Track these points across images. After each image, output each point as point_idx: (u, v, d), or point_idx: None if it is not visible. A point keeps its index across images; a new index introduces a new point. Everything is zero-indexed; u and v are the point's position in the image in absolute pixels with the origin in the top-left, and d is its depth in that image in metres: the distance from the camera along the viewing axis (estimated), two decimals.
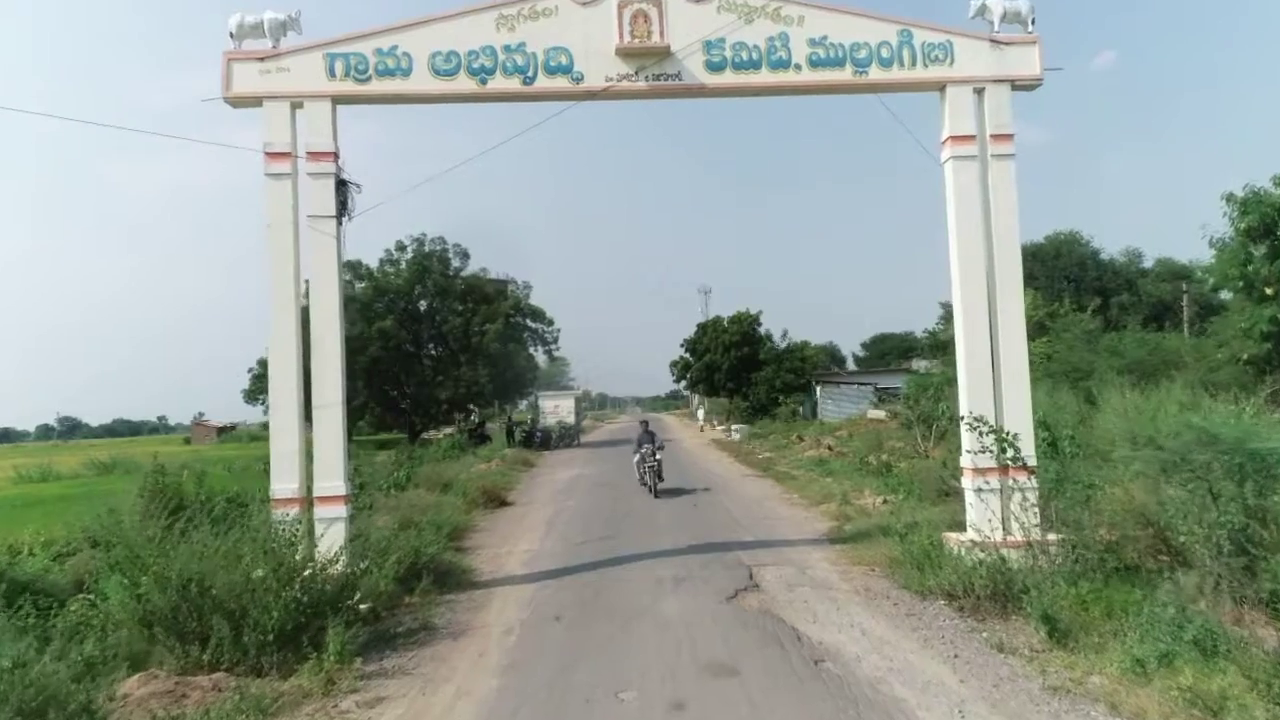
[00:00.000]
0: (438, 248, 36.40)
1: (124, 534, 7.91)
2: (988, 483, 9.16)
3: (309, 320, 9.36)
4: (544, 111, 10.06)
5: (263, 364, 35.09)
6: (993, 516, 9.04)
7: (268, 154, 9.26)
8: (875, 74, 9.61)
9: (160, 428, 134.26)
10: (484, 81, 9.49)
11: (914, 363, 55.00)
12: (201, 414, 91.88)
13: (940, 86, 9.71)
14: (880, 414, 32.49)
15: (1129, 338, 23.60)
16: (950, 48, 9.62)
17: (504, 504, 17.21)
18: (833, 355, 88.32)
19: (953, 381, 33.60)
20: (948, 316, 61.17)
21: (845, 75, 9.63)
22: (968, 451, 9.16)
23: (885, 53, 9.60)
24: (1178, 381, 17.93)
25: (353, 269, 35.98)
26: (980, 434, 8.78)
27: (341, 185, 9.49)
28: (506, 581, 9.93)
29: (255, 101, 9.34)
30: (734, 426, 39.40)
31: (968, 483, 9.45)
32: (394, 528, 12.12)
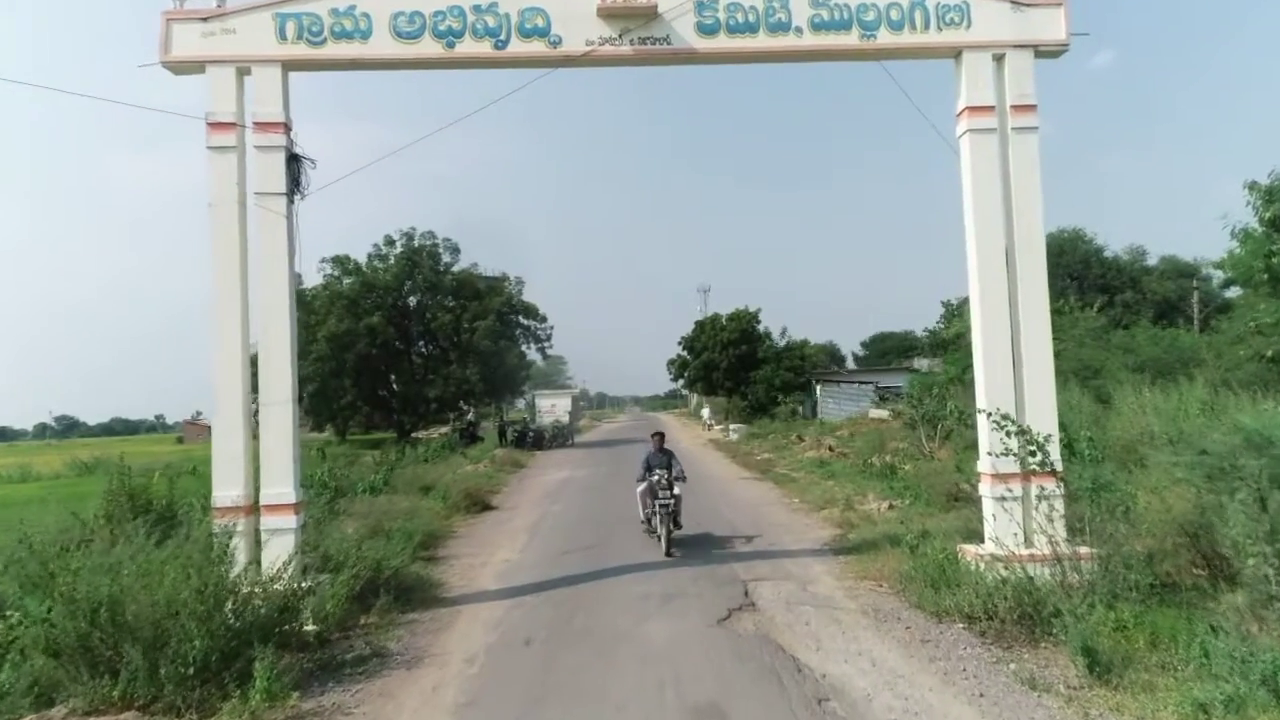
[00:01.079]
0: (428, 242, 35.42)
1: (35, 547, 7.02)
2: (1010, 490, 8.25)
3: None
4: (519, 79, 9.16)
5: (253, 357, 33.99)
6: (1017, 528, 8.15)
7: (210, 125, 8.34)
8: (884, 38, 8.70)
9: (158, 426, 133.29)
10: (451, 45, 8.58)
11: (916, 361, 54.13)
12: (199, 413, 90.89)
13: (956, 53, 8.80)
14: (882, 413, 31.57)
15: (1141, 334, 22.70)
16: (967, 9, 8.70)
17: (487, 508, 16.29)
18: (832, 354, 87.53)
19: (955, 380, 32.60)
20: (949, 315, 60.47)
21: (851, 40, 8.72)
22: (988, 454, 8.24)
23: (895, 14, 8.68)
24: (1197, 380, 17.05)
25: (341, 264, 35.07)
26: (1007, 434, 7.84)
27: (293, 160, 8.58)
28: (477, 598, 9.02)
29: (197, 67, 8.43)
30: (732, 426, 38.44)
31: (986, 489, 8.55)
32: (360, 536, 11.24)
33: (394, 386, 34.95)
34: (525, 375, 45.71)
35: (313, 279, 34.85)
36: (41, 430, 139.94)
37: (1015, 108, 8.66)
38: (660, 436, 12.66)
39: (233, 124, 8.36)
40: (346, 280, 34.56)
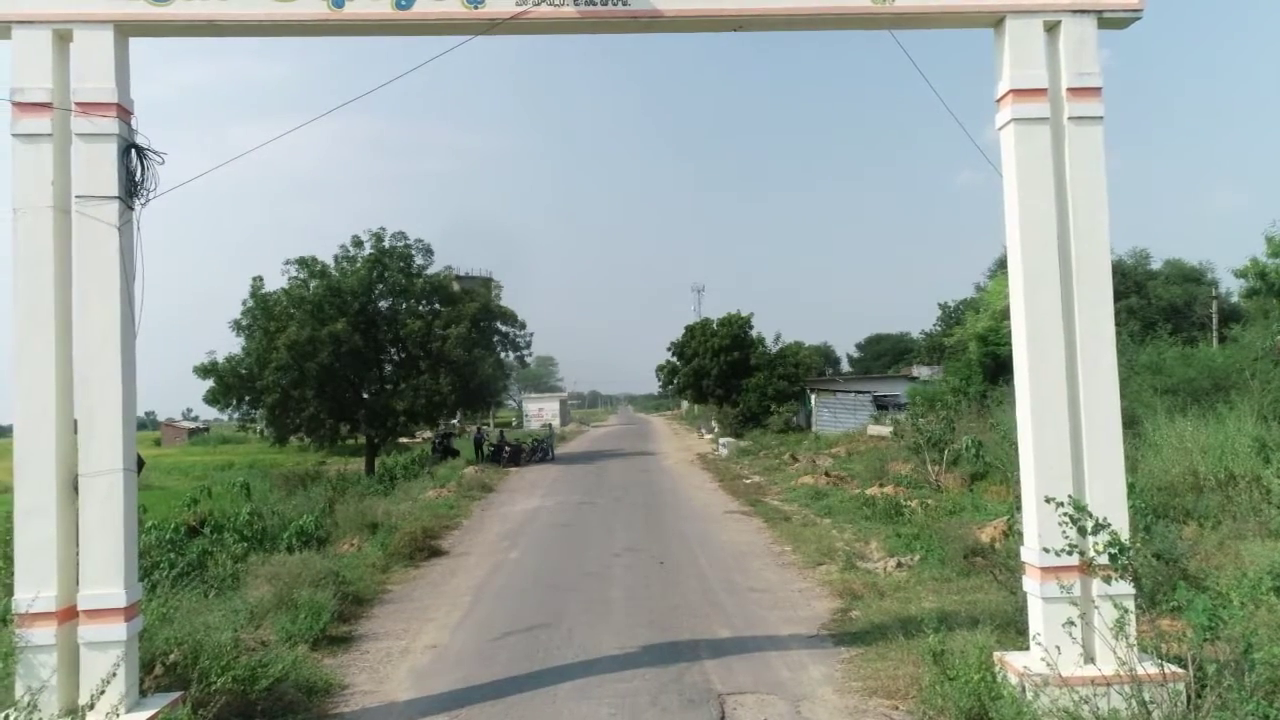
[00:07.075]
0: (398, 244, 33.23)
1: None
2: (1065, 587, 6.30)
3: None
4: (434, 47, 7.14)
5: (212, 364, 31.78)
6: (1075, 641, 6.21)
7: (17, 105, 6.32)
8: (904, 0, 6.73)
9: (148, 423, 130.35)
10: (339, 4, 6.57)
11: (914, 369, 52.35)
12: (189, 410, 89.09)
13: (996, 20, 6.84)
14: (882, 430, 29.67)
15: (1170, 351, 20.82)
16: None
17: (435, 554, 14.26)
18: (827, 356, 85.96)
19: (958, 392, 30.34)
20: (946, 318, 58.73)
21: (861, 2, 6.74)
22: (1044, 550, 6.26)
23: None
24: (1241, 408, 15.14)
25: (307, 265, 32.94)
26: (1080, 530, 5.85)
27: (132, 154, 6.56)
28: (377, 717, 7.02)
29: (3, 30, 6.42)
30: (721, 440, 36.37)
31: (1034, 587, 6.59)
32: (260, 609, 9.31)
33: (362, 396, 32.76)
34: (503, 385, 43.62)
35: (278, 282, 32.80)
36: None
37: (1073, 91, 6.69)
38: None
39: (47, 104, 6.33)
40: (314, 283, 32.41)
